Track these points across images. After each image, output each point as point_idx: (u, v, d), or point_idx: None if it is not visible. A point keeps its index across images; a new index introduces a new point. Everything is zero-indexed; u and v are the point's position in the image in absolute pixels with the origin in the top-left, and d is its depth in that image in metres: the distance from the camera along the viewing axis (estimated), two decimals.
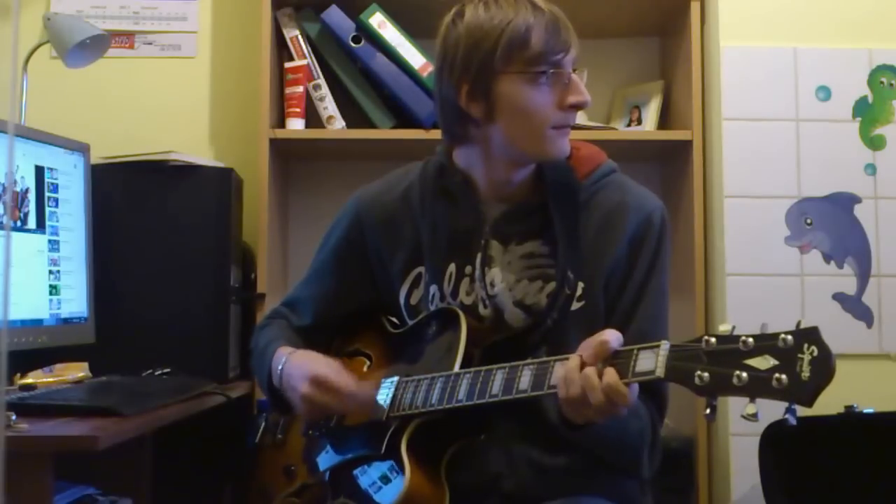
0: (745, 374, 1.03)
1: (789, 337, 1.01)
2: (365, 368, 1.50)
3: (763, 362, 1.02)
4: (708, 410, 1.06)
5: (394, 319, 1.52)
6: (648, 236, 1.40)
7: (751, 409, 1.03)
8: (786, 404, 1.01)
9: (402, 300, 1.48)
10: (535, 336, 1.36)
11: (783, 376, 1.00)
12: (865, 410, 1.97)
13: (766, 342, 1.03)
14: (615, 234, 1.39)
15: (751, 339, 1.04)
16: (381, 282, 1.51)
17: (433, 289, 1.44)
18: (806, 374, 0.99)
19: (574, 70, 1.36)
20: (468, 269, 1.42)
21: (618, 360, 1.14)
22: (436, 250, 1.44)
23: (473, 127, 1.38)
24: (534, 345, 1.34)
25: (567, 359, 1.18)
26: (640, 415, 1.33)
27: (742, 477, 2.06)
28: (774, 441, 1.93)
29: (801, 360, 1.00)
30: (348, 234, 1.54)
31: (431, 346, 1.41)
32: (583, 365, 1.15)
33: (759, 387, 1.02)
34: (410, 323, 1.47)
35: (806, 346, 1.00)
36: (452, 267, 1.43)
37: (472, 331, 1.36)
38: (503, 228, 1.42)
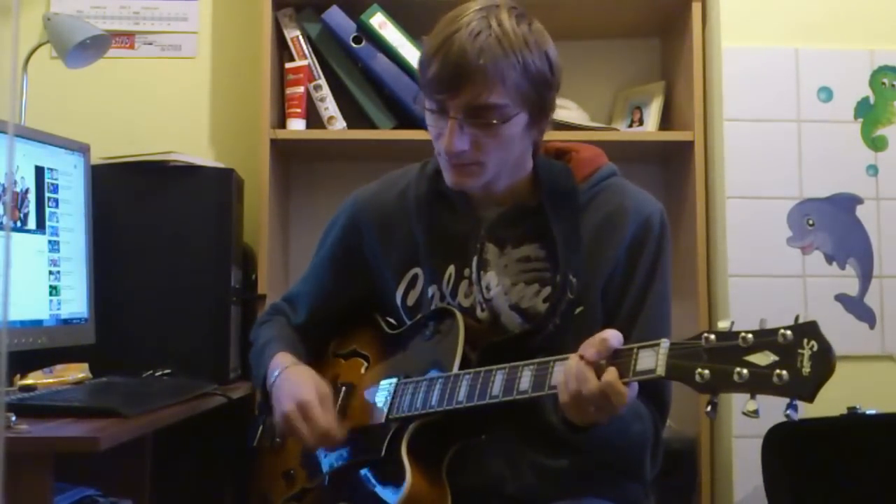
0: (745, 371, 1.03)
1: (788, 332, 1.01)
2: (363, 370, 1.50)
3: (763, 358, 1.02)
4: (709, 408, 1.06)
5: (391, 320, 1.52)
6: (647, 240, 1.39)
7: (751, 405, 1.03)
8: (787, 400, 1.01)
9: (398, 301, 1.47)
10: (535, 340, 1.35)
11: (784, 372, 1.00)
12: (868, 411, 1.97)
13: (765, 338, 1.03)
14: (613, 239, 1.38)
15: (750, 336, 1.04)
16: (378, 281, 1.51)
17: (432, 289, 1.43)
18: (806, 369, 1.00)
19: (485, 117, 1.29)
20: (466, 271, 1.42)
21: (618, 359, 1.14)
22: (433, 253, 1.43)
23: None
24: (533, 349, 1.32)
25: (567, 359, 1.18)
26: (641, 418, 1.33)
27: (744, 478, 2.05)
28: (777, 442, 1.92)
29: (801, 355, 1.00)
30: (344, 233, 1.54)
31: (429, 346, 1.40)
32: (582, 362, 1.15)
33: (760, 383, 1.02)
34: (408, 323, 1.46)
35: (805, 340, 1.01)
36: (451, 269, 1.43)
37: (470, 331, 1.35)
38: (499, 232, 1.41)
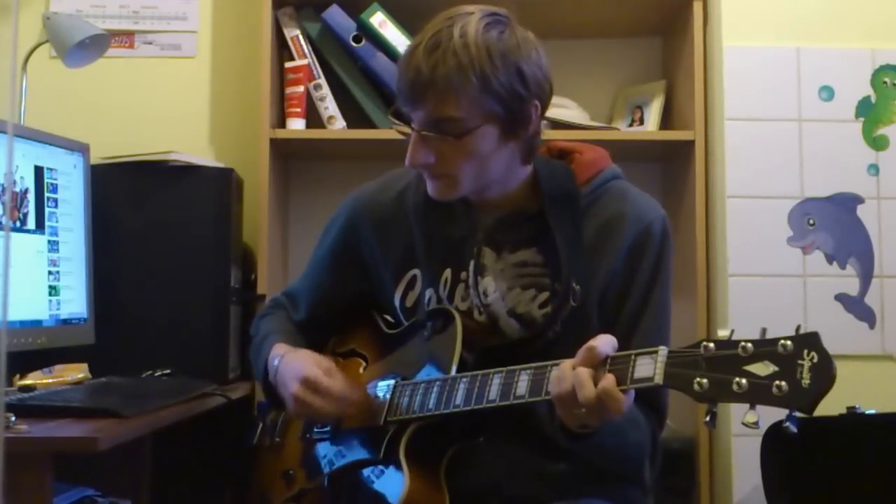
0: (744, 381, 1.02)
1: (789, 343, 1.01)
2: (361, 370, 1.50)
3: (763, 368, 1.02)
4: (708, 417, 1.05)
5: (389, 318, 1.52)
6: (648, 248, 1.37)
7: (751, 417, 1.02)
8: (786, 411, 1.00)
9: (396, 301, 1.47)
10: (534, 346, 1.34)
11: (783, 383, 0.99)
12: (868, 411, 1.96)
13: (765, 348, 1.02)
14: (612, 246, 1.36)
15: (750, 345, 1.03)
16: (376, 281, 1.51)
17: (429, 292, 1.43)
18: (806, 380, 0.99)
19: (442, 130, 1.28)
20: (463, 274, 1.41)
21: (616, 365, 1.13)
22: (430, 256, 1.43)
23: None
24: (532, 355, 1.30)
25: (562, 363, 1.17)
26: (639, 426, 1.32)
27: (744, 477, 2.05)
28: (776, 442, 1.92)
29: (801, 366, 0.99)
30: (343, 233, 1.54)
31: (427, 347, 1.40)
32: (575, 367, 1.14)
33: (759, 394, 1.01)
34: (406, 323, 1.46)
35: (806, 352, 1.00)
36: (448, 272, 1.42)
37: (468, 332, 1.35)
38: (496, 236, 1.40)
